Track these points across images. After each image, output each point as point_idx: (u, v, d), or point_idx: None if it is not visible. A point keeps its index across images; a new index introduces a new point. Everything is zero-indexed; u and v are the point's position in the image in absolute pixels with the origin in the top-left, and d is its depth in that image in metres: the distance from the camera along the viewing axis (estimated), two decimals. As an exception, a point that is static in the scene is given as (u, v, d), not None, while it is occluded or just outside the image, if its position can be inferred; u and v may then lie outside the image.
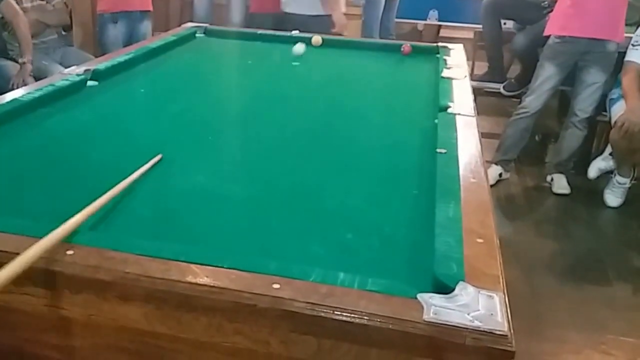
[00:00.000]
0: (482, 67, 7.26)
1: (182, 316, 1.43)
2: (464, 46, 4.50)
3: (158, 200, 2.01)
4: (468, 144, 2.41)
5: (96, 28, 6.31)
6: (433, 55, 4.23)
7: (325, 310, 1.35)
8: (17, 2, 5.10)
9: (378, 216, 1.96)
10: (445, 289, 1.41)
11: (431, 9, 7.92)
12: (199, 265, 1.47)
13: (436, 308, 1.34)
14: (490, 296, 1.39)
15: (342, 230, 1.82)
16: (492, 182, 5.11)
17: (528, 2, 6.45)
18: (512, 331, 1.30)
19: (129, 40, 5.82)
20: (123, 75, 3.45)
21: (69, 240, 1.54)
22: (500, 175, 5.67)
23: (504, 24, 6.94)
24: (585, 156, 5.84)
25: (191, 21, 5.50)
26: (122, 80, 3.39)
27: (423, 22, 8.05)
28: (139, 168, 2.11)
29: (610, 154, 5.50)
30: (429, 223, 1.76)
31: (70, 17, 6.10)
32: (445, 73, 3.52)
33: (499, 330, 1.29)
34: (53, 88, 2.91)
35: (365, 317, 1.33)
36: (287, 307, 1.36)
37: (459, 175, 2.08)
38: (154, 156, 2.25)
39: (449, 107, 2.84)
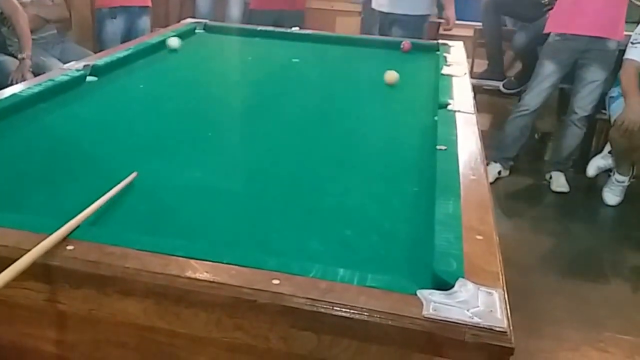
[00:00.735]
0: (482, 65, 7.27)
1: (182, 311, 1.43)
2: (464, 44, 4.51)
3: (158, 195, 2.01)
4: (468, 141, 2.42)
5: (95, 23, 6.32)
6: (433, 52, 4.24)
7: (325, 306, 1.35)
8: (16, -2, 5.10)
9: (378, 213, 1.96)
10: (444, 286, 1.42)
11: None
12: (198, 261, 1.48)
13: (436, 304, 1.34)
14: (490, 293, 1.39)
15: (342, 227, 1.83)
16: (491, 179, 5.11)
17: (528, 0, 6.45)
18: (511, 328, 1.30)
19: (128, 36, 5.83)
20: (122, 71, 3.46)
21: (68, 235, 1.55)
22: (499, 173, 5.68)
23: (505, 23, 6.97)
24: (584, 154, 5.85)
25: (192, 17, 5.50)
26: (122, 75, 3.39)
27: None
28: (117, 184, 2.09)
29: (609, 152, 5.50)
30: (428, 220, 1.76)
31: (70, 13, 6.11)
32: (445, 70, 3.52)
33: (499, 327, 1.29)
34: (52, 83, 2.91)
35: (365, 313, 1.33)
36: (287, 302, 1.36)
37: (458, 172, 2.09)
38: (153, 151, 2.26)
39: (449, 104, 2.84)
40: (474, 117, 2.73)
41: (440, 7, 6.54)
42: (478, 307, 1.34)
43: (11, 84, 3.95)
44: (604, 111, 5.60)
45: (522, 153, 5.88)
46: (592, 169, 5.63)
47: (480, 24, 7.03)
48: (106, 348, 1.55)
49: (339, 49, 4.49)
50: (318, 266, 1.48)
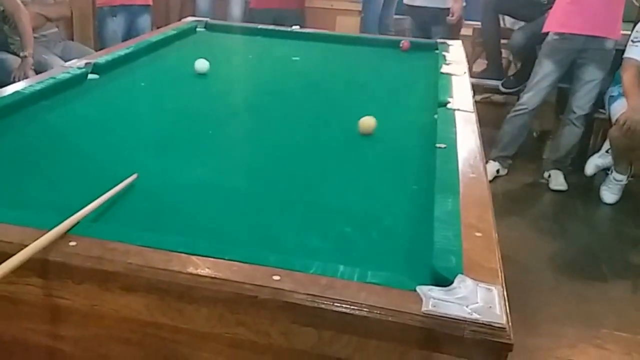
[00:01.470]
0: (481, 64, 7.28)
1: (184, 307, 1.44)
2: (463, 43, 4.51)
3: (159, 192, 2.01)
4: (467, 139, 2.42)
5: (96, 22, 6.32)
6: (432, 51, 4.24)
7: (325, 302, 1.35)
8: (18, -4, 5.10)
9: (378, 210, 1.96)
10: (444, 282, 1.42)
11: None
12: (200, 257, 1.48)
13: (435, 300, 1.34)
14: (489, 289, 1.40)
15: (342, 224, 1.83)
16: (489, 178, 5.12)
17: (527, 0, 6.47)
18: (510, 324, 1.31)
19: (128, 34, 5.84)
20: (124, 69, 3.46)
21: (71, 231, 1.55)
22: (497, 171, 5.69)
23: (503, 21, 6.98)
24: (582, 153, 5.86)
25: (193, 15, 5.51)
26: (123, 73, 3.40)
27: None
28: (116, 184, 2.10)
29: (607, 151, 5.51)
30: (428, 217, 1.76)
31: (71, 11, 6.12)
32: (445, 69, 3.53)
33: (498, 323, 1.29)
34: (54, 81, 2.91)
35: (365, 309, 1.33)
36: (288, 298, 1.37)
37: (458, 170, 2.09)
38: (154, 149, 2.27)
39: (449, 102, 2.84)
40: (473, 116, 2.73)
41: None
42: (477, 303, 1.34)
43: (13, 82, 3.95)
44: (602, 110, 5.62)
45: (520, 152, 5.87)
46: (590, 168, 5.64)
47: (479, 23, 7.04)
48: (109, 343, 1.56)
49: (339, 47, 4.49)
50: (318, 263, 1.48)
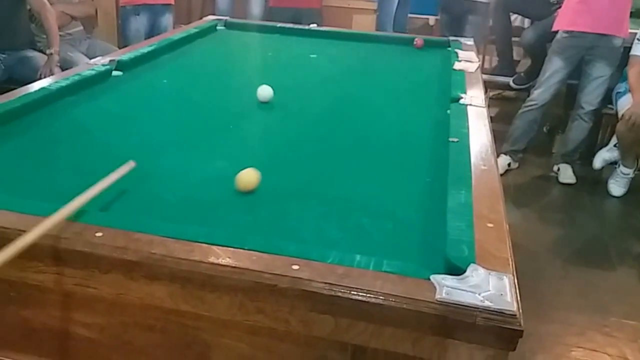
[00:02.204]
0: (492, 61, 7.27)
1: (206, 295, 1.44)
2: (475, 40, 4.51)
3: (182, 185, 2.02)
4: (479, 133, 2.42)
5: (119, 20, 6.34)
6: (445, 48, 4.23)
7: (342, 291, 1.35)
8: (44, -5, 5.12)
9: (392, 202, 1.96)
10: (457, 271, 1.42)
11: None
12: (221, 247, 1.48)
13: (448, 289, 1.35)
14: (500, 277, 1.40)
15: (359, 215, 1.83)
16: (501, 171, 5.10)
17: (537, -1, 6.47)
18: (520, 311, 1.31)
19: (151, 33, 5.84)
20: (146, 66, 3.47)
21: (97, 222, 1.56)
22: (509, 165, 5.69)
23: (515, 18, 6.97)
24: (590, 147, 5.84)
25: (213, 14, 5.51)
26: (146, 70, 3.40)
27: (435, 17, 8.01)
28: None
29: (615, 146, 5.50)
30: (441, 208, 1.76)
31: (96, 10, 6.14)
32: (457, 65, 3.52)
33: (509, 310, 1.29)
34: (80, 77, 2.92)
35: (381, 297, 1.33)
36: (306, 287, 1.37)
37: (470, 163, 2.09)
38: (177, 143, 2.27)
39: (461, 98, 2.84)
40: (485, 111, 2.73)
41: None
42: (489, 291, 1.34)
43: (40, 78, 3.97)
44: (610, 106, 5.61)
45: (530, 146, 5.86)
46: (598, 162, 5.62)
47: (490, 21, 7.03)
48: (134, 330, 1.57)
49: (355, 45, 4.49)
50: (336, 252, 1.49)
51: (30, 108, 2.54)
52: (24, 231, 1.50)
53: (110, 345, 1.60)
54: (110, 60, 3.23)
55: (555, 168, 5.72)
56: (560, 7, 5.61)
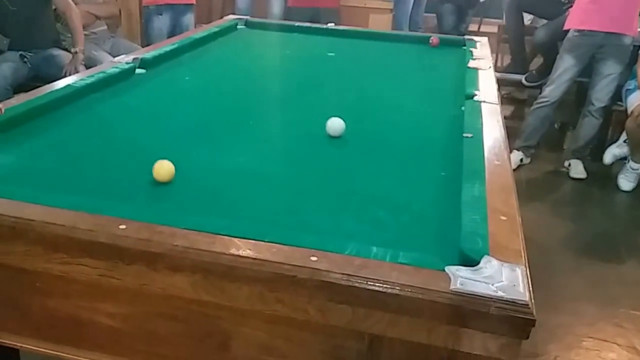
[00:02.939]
0: (505, 60, 7.26)
1: (226, 286, 1.44)
2: (489, 39, 4.49)
3: (203, 179, 2.02)
4: (492, 129, 2.41)
5: (142, 20, 6.36)
6: (459, 47, 4.22)
7: (359, 281, 1.35)
8: (69, -5, 5.15)
9: (408, 195, 1.96)
10: (471, 262, 1.42)
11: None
12: (241, 239, 1.49)
13: (463, 279, 1.35)
14: (513, 269, 1.40)
15: (375, 208, 1.83)
16: (513, 167, 5.09)
17: (549, -1, 6.46)
18: (533, 301, 1.31)
19: (173, 32, 5.86)
20: (169, 64, 3.47)
21: (121, 215, 1.57)
22: (521, 160, 5.69)
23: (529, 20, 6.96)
24: (601, 143, 5.83)
25: (233, 14, 5.51)
26: (168, 68, 3.40)
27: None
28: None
29: (625, 141, 5.49)
30: (456, 202, 1.76)
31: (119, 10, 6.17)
32: (471, 64, 3.51)
33: (521, 300, 1.29)
34: (104, 75, 2.93)
35: (397, 287, 1.33)
36: (324, 278, 1.37)
37: (484, 158, 2.08)
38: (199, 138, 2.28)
39: (475, 95, 2.83)
40: (498, 108, 2.72)
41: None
42: (502, 282, 1.34)
43: (65, 76, 3.98)
44: (620, 103, 5.60)
45: (542, 142, 5.86)
46: (608, 157, 5.62)
47: (503, 21, 7.03)
48: (156, 320, 1.57)
49: (371, 43, 4.48)
50: (353, 244, 1.49)
51: (56, 104, 2.55)
52: (50, 223, 1.52)
53: (133, 334, 1.61)
54: (134, 59, 3.24)
55: (566, 163, 5.71)
56: (571, 7, 5.61)
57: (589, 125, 5.56)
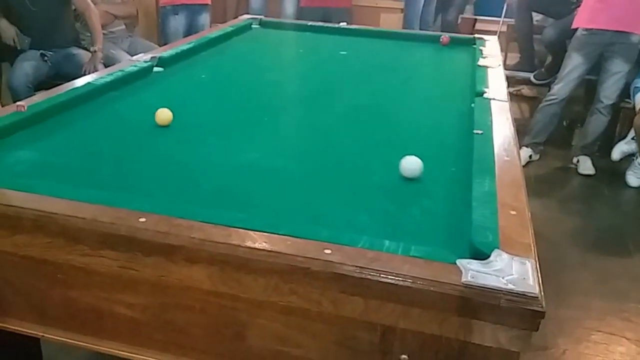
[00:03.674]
0: (513, 58, 7.25)
1: (242, 277, 1.45)
2: (498, 38, 4.48)
3: (220, 174, 2.03)
4: (502, 126, 2.40)
5: (159, 19, 6.37)
6: (469, 45, 4.21)
7: (372, 274, 1.36)
8: (88, -5, 5.17)
9: (420, 190, 1.96)
10: (481, 256, 1.42)
11: (467, 5, 7.91)
12: (257, 232, 1.50)
13: (473, 272, 1.35)
14: (523, 262, 1.40)
15: (387, 203, 1.83)
16: (522, 163, 5.08)
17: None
18: (542, 294, 1.31)
19: (189, 31, 5.87)
20: (186, 62, 3.48)
21: (140, 208, 1.58)
22: (530, 157, 5.67)
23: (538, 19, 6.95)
24: (609, 140, 5.80)
25: (247, 13, 5.52)
26: (185, 66, 3.41)
27: (460, 15, 7.99)
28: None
29: (633, 138, 5.46)
30: (466, 196, 1.76)
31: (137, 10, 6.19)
32: (481, 62, 3.50)
33: (531, 293, 1.29)
34: (123, 73, 2.94)
35: (409, 280, 1.34)
36: (338, 270, 1.38)
37: (494, 154, 2.08)
38: (215, 134, 2.29)
39: (485, 92, 2.83)
40: (507, 105, 2.72)
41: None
42: (512, 275, 1.34)
43: (84, 74, 4.00)
44: (628, 100, 5.57)
45: (551, 139, 5.83)
46: (616, 154, 5.59)
47: (513, 20, 7.02)
48: (174, 311, 1.58)
49: (383, 42, 4.47)
50: (365, 237, 1.50)
51: (77, 102, 2.57)
52: (72, 216, 1.53)
53: (151, 324, 1.62)
54: (152, 57, 3.25)
55: (574, 160, 5.69)
56: (579, 6, 5.59)
57: (597, 122, 5.55)
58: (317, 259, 1.40)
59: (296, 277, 1.41)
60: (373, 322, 1.41)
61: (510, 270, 1.36)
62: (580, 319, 3.44)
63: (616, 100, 5.48)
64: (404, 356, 1.42)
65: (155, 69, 3.20)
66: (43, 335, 1.77)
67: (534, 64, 6.98)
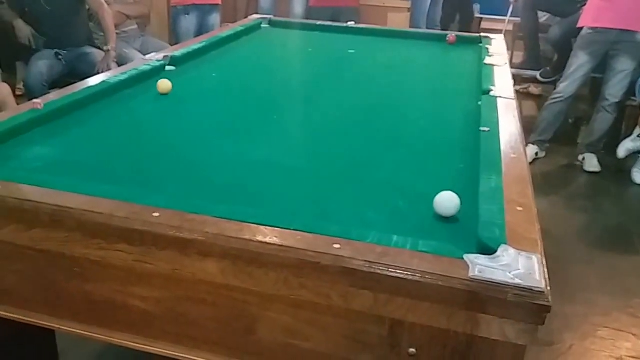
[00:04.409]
0: (520, 56, 7.25)
1: (254, 271, 1.47)
2: (505, 36, 4.48)
3: (231, 170, 2.04)
4: (508, 123, 2.40)
5: (170, 19, 6.39)
6: (476, 44, 4.20)
7: (381, 268, 1.37)
8: (102, -5, 5.20)
9: (428, 186, 1.95)
10: (489, 251, 1.43)
11: (474, 3, 7.90)
12: (268, 227, 1.51)
13: (481, 267, 1.35)
14: (529, 257, 1.40)
15: (396, 199, 1.83)
16: (529, 160, 5.09)
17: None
18: (548, 288, 1.31)
19: (200, 31, 5.90)
20: (197, 61, 3.48)
21: (155, 204, 1.59)
22: (536, 154, 5.68)
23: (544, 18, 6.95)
24: (614, 137, 5.79)
25: (257, 13, 5.53)
26: (196, 65, 3.42)
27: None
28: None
29: (638, 136, 5.45)
30: (473, 193, 1.77)
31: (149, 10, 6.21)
32: (488, 60, 3.50)
33: (537, 287, 1.30)
34: (136, 72, 2.95)
35: (418, 274, 1.35)
36: (347, 264, 1.39)
37: (500, 151, 2.08)
38: (226, 132, 2.30)
39: (491, 90, 2.83)
40: (514, 103, 2.72)
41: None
42: (519, 270, 1.35)
43: (98, 73, 4.02)
44: (633, 98, 5.57)
45: (557, 136, 5.83)
46: (622, 151, 5.58)
47: (519, 19, 7.01)
48: (187, 304, 1.59)
49: (390, 41, 4.47)
50: (374, 233, 1.50)
51: (90, 100, 2.58)
52: (89, 211, 1.54)
53: (164, 317, 1.63)
54: (164, 56, 3.26)
55: (580, 157, 5.69)
56: (584, 5, 5.58)
57: (602, 120, 5.55)
58: (326, 253, 1.41)
59: (306, 271, 1.42)
60: (382, 316, 1.42)
61: (517, 265, 1.37)
62: (587, 315, 3.44)
63: (622, 98, 5.47)
64: (412, 349, 1.43)
65: (168, 67, 3.21)
66: (59, 328, 1.78)
67: (540, 62, 6.98)
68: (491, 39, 4.24)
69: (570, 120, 6.65)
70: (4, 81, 4.88)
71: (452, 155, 2.25)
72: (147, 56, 3.37)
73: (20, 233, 1.64)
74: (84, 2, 5.21)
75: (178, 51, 3.46)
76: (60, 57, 5.10)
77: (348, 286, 1.41)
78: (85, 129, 2.36)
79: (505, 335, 1.34)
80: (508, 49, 4.45)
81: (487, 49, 3.86)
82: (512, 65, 5.40)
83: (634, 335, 3.30)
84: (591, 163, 5.56)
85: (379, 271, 1.37)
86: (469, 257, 1.39)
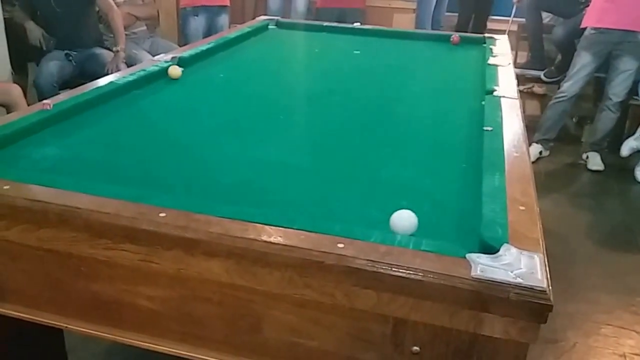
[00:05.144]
0: (524, 56, 7.24)
1: (258, 271, 1.46)
2: (508, 37, 4.47)
3: (237, 170, 2.03)
4: (512, 123, 2.39)
5: (179, 21, 6.39)
6: (480, 44, 4.19)
7: (384, 267, 1.36)
8: (111, -3, 5.21)
9: (431, 186, 1.96)
10: (491, 250, 1.42)
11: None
12: (273, 226, 1.50)
13: (483, 266, 1.35)
14: (531, 257, 1.39)
15: (398, 198, 1.82)
16: (532, 159, 5.08)
17: (566, -2, 6.44)
18: (550, 288, 1.30)
19: (208, 32, 5.90)
20: (205, 62, 3.48)
21: (161, 204, 1.58)
22: (540, 153, 5.67)
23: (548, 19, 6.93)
24: (618, 136, 5.79)
25: (265, 14, 5.52)
26: (204, 66, 3.42)
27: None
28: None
29: (642, 134, 5.46)
30: (476, 192, 1.76)
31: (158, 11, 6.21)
32: (491, 60, 3.49)
33: (539, 287, 1.29)
34: (145, 73, 2.95)
35: (420, 274, 1.34)
36: (350, 264, 1.38)
37: (503, 150, 2.07)
38: (233, 132, 2.29)
39: (495, 90, 2.82)
40: (517, 102, 2.71)
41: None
42: (521, 269, 1.34)
43: (107, 74, 4.02)
44: (636, 97, 5.59)
45: (561, 135, 5.83)
46: (625, 150, 5.57)
47: (523, 19, 7.01)
48: (193, 303, 1.59)
49: (395, 42, 4.46)
50: (378, 232, 1.50)
51: (101, 100, 2.58)
52: (96, 211, 1.54)
53: (170, 316, 1.63)
54: (173, 57, 3.25)
55: (584, 156, 5.68)
56: (587, 5, 5.60)
57: (606, 119, 5.55)
58: (330, 252, 1.40)
59: (310, 270, 1.41)
60: (385, 315, 1.41)
61: (519, 265, 1.36)
62: (590, 313, 3.43)
63: (625, 97, 5.48)
64: (415, 348, 1.42)
65: (175, 68, 3.21)
66: (66, 327, 1.78)
67: (544, 62, 6.96)
68: (495, 39, 4.24)
69: (573, 119, 6.65)
70: (15, 82, 4.88)
71: (455, 155, 2.25)
72: (156, 57, 3.37)
73: (29, 233, 1.63)
74: (94, 3, 5.21)
75: (186, 52, 3.45)
76: (70, 58, 5.10)
77: (352, 285, 1.40)
78: (93, 129, 2.36)
79: (507, 333, 1.34)
80: (512, 49, 4.44)
81: (491, 49, 3.86)
82: (517, 65, 5.42)
83: (637, 332, 3.29)
84: (595, 162, 5.55)
85: (382, 270, 1.36)
86: (471, 256, 1.38)
